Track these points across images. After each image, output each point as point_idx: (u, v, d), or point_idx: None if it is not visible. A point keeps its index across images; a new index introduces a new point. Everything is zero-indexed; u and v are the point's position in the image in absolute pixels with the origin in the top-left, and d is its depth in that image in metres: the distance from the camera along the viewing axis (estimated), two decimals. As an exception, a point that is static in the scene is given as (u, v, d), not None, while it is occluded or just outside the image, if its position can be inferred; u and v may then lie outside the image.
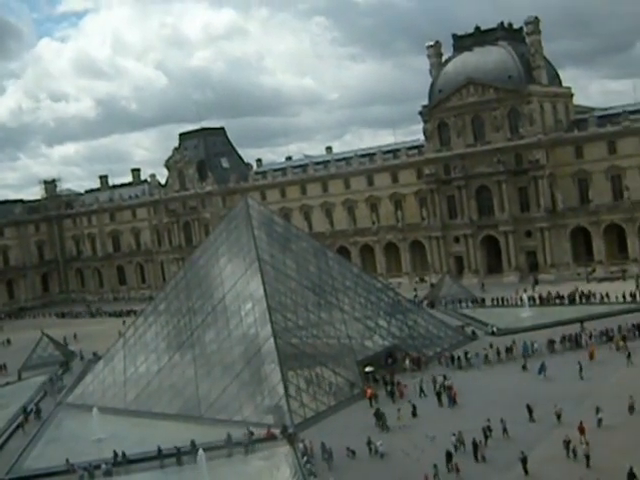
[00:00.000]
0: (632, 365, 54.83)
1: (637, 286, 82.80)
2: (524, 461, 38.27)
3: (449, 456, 39.52)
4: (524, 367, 57.66)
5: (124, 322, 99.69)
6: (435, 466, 38.54)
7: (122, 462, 47.50)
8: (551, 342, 62.64)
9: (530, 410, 46.28)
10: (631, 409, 44.68)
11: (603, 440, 40.26)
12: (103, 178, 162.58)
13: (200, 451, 42.88)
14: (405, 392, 54.27)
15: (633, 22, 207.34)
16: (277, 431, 48.50)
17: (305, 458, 43.28)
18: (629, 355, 56.06)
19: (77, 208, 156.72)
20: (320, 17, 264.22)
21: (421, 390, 54.23)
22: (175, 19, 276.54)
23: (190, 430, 50.93)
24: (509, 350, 62.05)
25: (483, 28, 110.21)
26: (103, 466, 46.80)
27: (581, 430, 41.31)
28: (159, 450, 47.46)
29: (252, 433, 47.80)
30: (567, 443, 38.99)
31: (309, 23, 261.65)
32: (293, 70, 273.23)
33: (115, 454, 47.80)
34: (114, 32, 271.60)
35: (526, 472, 38.08)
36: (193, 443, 47.10)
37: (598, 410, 43.71)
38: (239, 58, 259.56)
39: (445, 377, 55.46)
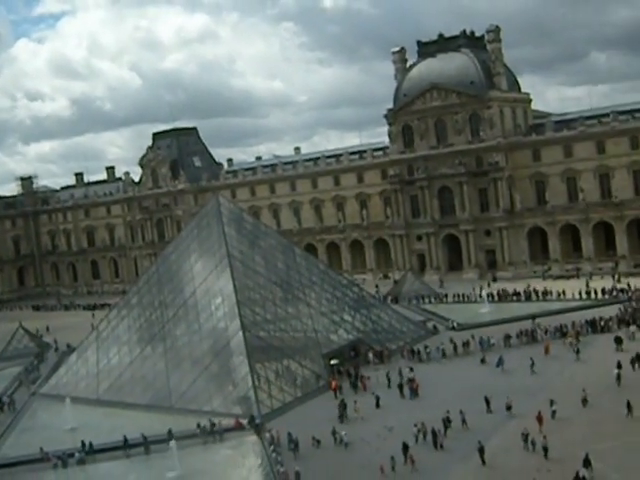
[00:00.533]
0: (580, 361, 55.15)
1: (587, 284, 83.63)
2: (481, 451, 38.34)
3: (405, 448, 39.42)
4: (483, 360, 57.97)
5: (93, 315, 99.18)
6: (392, 458, 38.46)
7: (91, 451, 46.90)
8: (508, 337, 62.98)
9: (488, 402, 46.45)
10: (584, 402, 44.98)
11: (557, 431, 40.45)
12: (78, 175, 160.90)
13: (172, 440, 42.51)
14: (368, 385, 54.21)
15: (589, 32, 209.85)
16: (245, 421, 48.26)
17: (272, 447, 43.13)
18: (578, 351, 56.45)
19: (53, 204, 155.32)
20: (289, 22, 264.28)
21: (389, 381, 54.22)
22: (149, 22, 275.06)
23: (161, 420, 50.61)
24: (466, 344, 62.28)
25: (446, 35, 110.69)
26: (76, 455, 46.26)
27: (539, 420, 41.73)
28: (125, 440, 46.91)
29: (214, 424, 47.48)
30: (526, 436, 38.96)
31: (278, 28, 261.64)
32: (263, 73, 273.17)
33: (83, 444, 47.12)
34: (90, 34, 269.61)
35: (483, 462, 38.16)
36: (170, 432, 46.65)
37: (552, 402, 43.97)
38: (211, 61, 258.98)
39: (412, 369, 55.55)
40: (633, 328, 61.93)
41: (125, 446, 46.91)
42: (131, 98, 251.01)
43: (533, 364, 53.82)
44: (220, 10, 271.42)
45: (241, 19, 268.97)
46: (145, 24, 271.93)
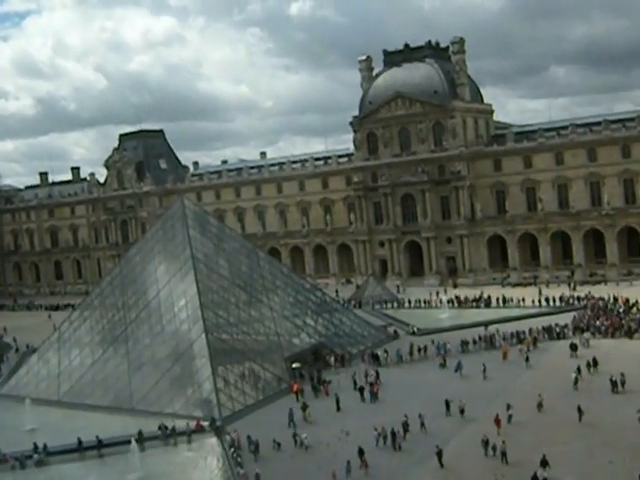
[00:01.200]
0: (532, 367, 55.63)
1: (540, 292, 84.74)
2: (439, 454, 38.56)
3: (361, 452, 39.34)
4: (442, 365, 58.37)
5: (50, 316, 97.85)
6: (348, 462, 38.40)
7: (49, 453, 46.12)
8: (466, 343, 63.45)
9: (448, 405, 46.76)
10: (539, 406, 45.48)
11: (514, 435, 40.83)
12: (43, 175, 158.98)
13: (132, 442, 42.16)
14: (329, 390, 53.98)
15: (549, 46, 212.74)
16: (206, 423, 48.01)
17: (232, 450, 42.95)
18: (527, 359, 56.87)
19: (16, 203, 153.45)
20: (255, 28, 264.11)
21: (355, 384, 54.29)
22: (116, 24, 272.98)
23: (121, 422, 50.14)
24: (422, 350, 62.56)
25: (412, 46, 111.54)
26: (35, 456, 45.55)
27: (497, 422, 42.25)
28: (79, 441, 46.16)
29: (166, 427, 47.13)
30: (486, 442, 38.97)
31: (244, 33, 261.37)
32: (229, 77, 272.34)
33: (35, 446, 46.15)
34: (55, 33, 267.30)
35: (441, 465, 38.38)
36: (141, 433, 46.24)
37: (509, 407, 44.37)
38: (177, 64, 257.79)
39: (378, 373, 55.73)
40: (587, 335, 62.90)
41: (80, 448, 46.08)
42: (96, 99, 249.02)
43: (485, 370, 54.17)
44: (187, 14, 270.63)
45: (208, 23, 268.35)
46: (111, 25, 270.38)
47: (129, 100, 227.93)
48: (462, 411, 45.85)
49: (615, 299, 75.46)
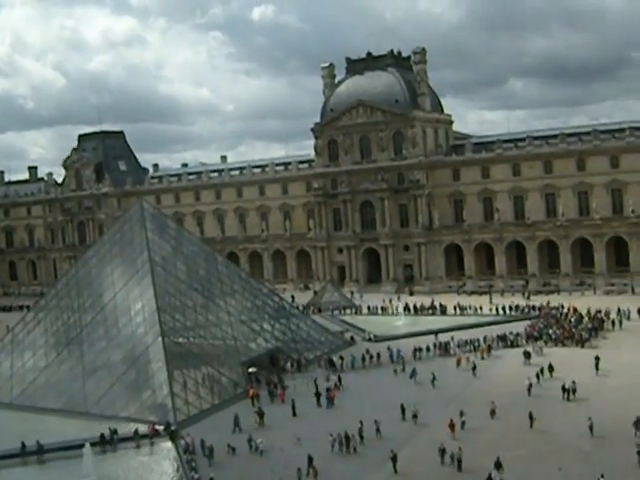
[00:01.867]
0: (478, 377, 56.11)
1: (490, 301, 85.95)
2: (394, 460, 38.70)
3: (310, 460, 38.85)
4: (396, 372, 58.66)
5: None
6: (299, 470, 38.25)
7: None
8: (419, 349, 63.83)
9: (404, 411, 46.99)
10: (492, 413, 45.96)
11: (467, 441, 41.14)
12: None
13: (86, 445, 41.64)
14: (284, 396, 53.74)
15: (508, 59, 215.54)
16: (161, 428, 47.59)
17: (187, 454, 42.66)
18: (474, 367, 57.09)
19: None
20: (216, 32, 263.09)
21: (317, 387, 54.12)
22: (76, 22, 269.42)
23: (75, 425, 49.48)
24: (377, 356, 62.80)
25: (375, 54, 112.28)
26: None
27: (451, 427, 42.85)
28: (22, 445, 45.01)
29: (115, 431, 46.62)
30: (442, 450, 38.95)
31: (206, 37, 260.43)
32: (190, 80, 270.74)
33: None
34: (14, 30, 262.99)
35: (395, 471, 38.55)
36: (103, 436, 45.76)
37: (462, 413, 44.77)
38: (138, 65, 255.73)
39: (340, 378, 55.98)
40: (541, 343, 63.87)
41: (23, 453, 45.03)
42: (55, 98, 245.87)
43: (434, 378, 54.54)
44: (148, 14, 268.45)
45: (169, 25, 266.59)
46: (71, 24, 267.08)
47: (88, 100, 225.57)
48: (415, 416, 46.18)
49: (568, 309, 76.62)
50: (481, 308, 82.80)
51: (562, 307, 77.91)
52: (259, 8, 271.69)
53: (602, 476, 34.15)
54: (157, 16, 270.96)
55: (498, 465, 36.08)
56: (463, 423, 44.19)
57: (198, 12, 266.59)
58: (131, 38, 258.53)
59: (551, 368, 54.23)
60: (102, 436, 45.95)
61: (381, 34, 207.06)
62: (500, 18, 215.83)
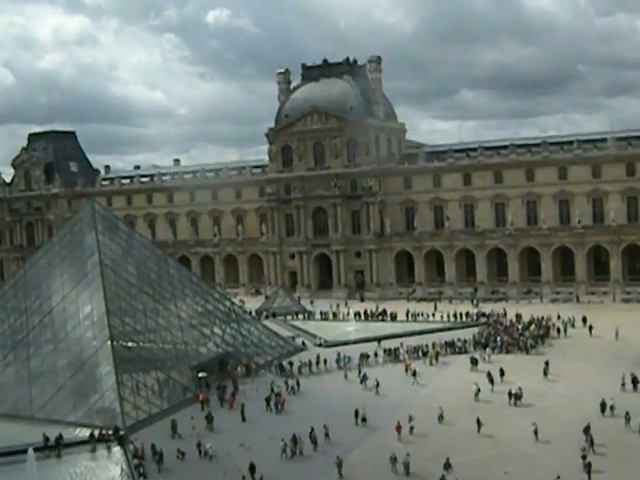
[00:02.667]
0: (417, 384, 56.44)
1: (435, 307, 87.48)
2: (339, 465, 38.63)
3: (252, 468, 38.57)
4: (346, 377, 58.86)
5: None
6: (243, 477, 38.12)
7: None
8: (366, 355, 64.04)
9: (357, 414, 47.27)
10: (440, 418, 46.42)
11: (415, 447, 41.46)
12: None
13: (30, 450, 40.87)
14: (233, 402, 53.37)
15: (460, 70, 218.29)
16: (109, 432, 47.00)
17: (135, 459, 42.24)
18: (414, 373, 57.22)
19: None
20: (170, 34, 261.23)
21: (272, 390, 54.23)
22: (26, 20, 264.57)
23: (19, 430, 48.49)
24: (325, 361, 62.96)
25: (330, 61, 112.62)
26: None
27: (398, 429, 43.52)
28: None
29: (61, 437, 45.92)
30: (394, 459, 38.94)
31: (160, 39, 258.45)
32: (143, 82, 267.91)
33: None
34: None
35: (340, 475, 38.49)
36: (60, 438, 45.13)
37: (411, 418, 45.11)
38: (90, 65, 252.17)
39: (298, 382, 56.24)
40: (488, 350, 64.59)
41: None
42: (4, 96, 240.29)
43: (378, 385, 54.90)
44: (101, 14, 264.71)
45: (122, 26, 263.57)
46: (21, 21, 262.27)
47: (38, 99, 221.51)
48: (364, 420, 46.64)
49: (516, 316, 77.74)
50: (433, 315, 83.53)
51: (510, 315, 78.92)
52: (214, 12, 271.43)
53: (558, 477, 34.84)
54: (110, 16, 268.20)
55: (447, 466, 36.68)
56: (412, 428, 44.56)
57: (152, 14, 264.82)
58: (83, 37, 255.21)
59: (502, 373, 55.22)
60: (47, 440, 45.21)
61: (335, 42, 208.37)
62: (452, 30, 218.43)
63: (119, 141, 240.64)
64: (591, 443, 39.74)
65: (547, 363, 57.22)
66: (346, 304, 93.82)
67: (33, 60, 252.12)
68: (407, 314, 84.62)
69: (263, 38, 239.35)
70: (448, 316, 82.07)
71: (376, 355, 64.56)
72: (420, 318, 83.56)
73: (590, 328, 71.20)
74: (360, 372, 58.90)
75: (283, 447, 42.20)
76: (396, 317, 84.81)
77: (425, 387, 55.78)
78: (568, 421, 45.17)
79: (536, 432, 42.34)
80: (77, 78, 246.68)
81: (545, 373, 56.22)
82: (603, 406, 46.41)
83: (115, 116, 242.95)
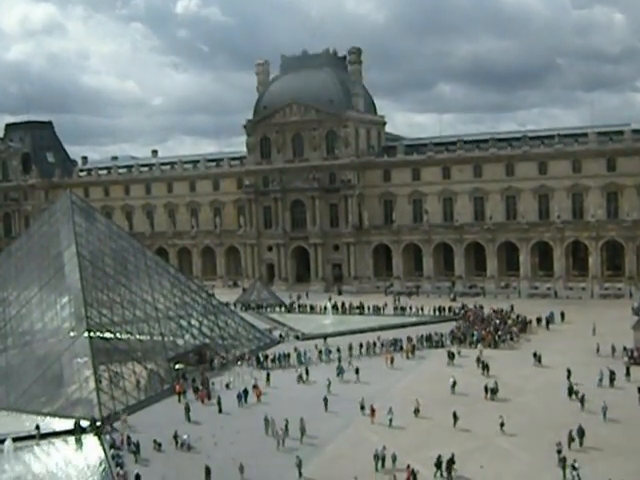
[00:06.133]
0: (402, 374, 57.37)
1: (397, 301, 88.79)
2: (299, 465, 38.48)
3: (207, 471, 38.26)
4: (305, 375, 58.45)
5: None
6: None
7: None
8: (338, 349, 64.40)
9: (326, 403, 48.53)
10: (416, 412, 47.12)
11: (391, 439, 42.09)
12: None
13: (7, 440, 41.19)
14: (204, 396, 53.73)
15: (436, 63, 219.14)
16: (86, 423, 47.32)
17: (112, 450, 42.65)
18: (357, 371, 56.99)
19: None
20: (137, 24, 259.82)
21: (255, 380, 54.76)
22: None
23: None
24: (304, 353, 63.54)
25: (310, 53, 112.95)
26: None
27: (372, 413, 45.38)
28: None
29: (38, 427, 46.22)
30: (382, 458, 39.04)
31: (128, 28, 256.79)
32: (115, 72, 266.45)
33: None
34: None
35: (300, 475, 38.32)
36: (38, 428, 45.44)
37: (390, 410, 45.73)
38: (59, 55, 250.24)
39: (269, 375, 56.53)
40: (465, 344, 65.45)
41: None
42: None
43: (358, 373, 56.23)
44: (66, 1, 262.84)
45: (89, 14, 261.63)
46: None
47: (8, 90, 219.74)
48: (325, 403, 48.51)
49: (493, 311, 78.67)
50: (411, 308, 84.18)
51: (482, 309, 79.92)
52: (182, 1, 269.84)
53: None
54: (75, 4, 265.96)
55: (440, 464, 37.22)
56: (390, 420, 45.31)
57: (119, 2, 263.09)
58: (51, 26, 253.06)
59: (486, 366, 56.54)
60: (25, 431, 45.48)
61: (308, 32, 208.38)
62: (426, 21, 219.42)
63: (93, 132, 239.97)
64: (571, 440, 40.32)
65: (535, 354, 59.04)
66: (330, 299, 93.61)
67: (1, 51, 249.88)
68: (382, 307, 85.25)
69: (233, 28, 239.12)
70: (436, 310, 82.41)
71: (351, 348, 64.93)
72: (398, 312, 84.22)
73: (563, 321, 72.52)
74: (340, 364, 59.56)
75: (275, 435, 42.99)
76: (379, 310, 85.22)
77: (402, 380, 56.47)
78: (542, 416, 46.11)
79: (502, 425, 43.33)
80: (47, 68, 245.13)
81: (539, 360, 58.69)
82: (570, 390, 49.08)
83: (88, 107, 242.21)
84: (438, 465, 37.34)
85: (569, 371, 52.83)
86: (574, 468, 35.77)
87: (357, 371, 56.74)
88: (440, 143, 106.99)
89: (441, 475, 37.08)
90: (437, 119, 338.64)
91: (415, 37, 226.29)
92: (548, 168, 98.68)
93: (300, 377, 57.24)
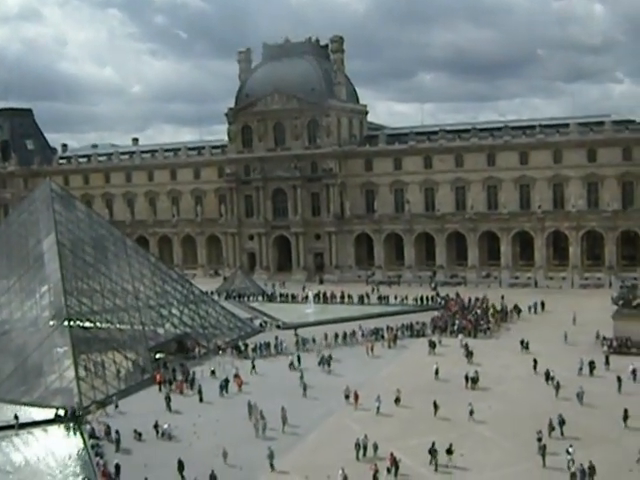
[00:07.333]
0: (394, 362, 57.58)
1: (378, 290, 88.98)
2: (271, 457, 38.29)
3: (181, 465, 37.50)
4: (295, 362, 58.48)
5: None
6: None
7: None
8: (327, 336, 64.72)
9: (305, 389, 49.11)
10: (397, 401, 47.26)
11: (373, 428, 42.19)
12: None
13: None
14: (182, 387, 53.38)
15: (417, 52, 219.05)
16: (66, 413, 47.07)
17: (92, 439, 42.47)
18: (329, 364, 57.06)
19: None
20: (114, 10, 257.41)
21: (236, 370, 54.75)
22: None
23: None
24: (281, 343, 63.58)
25: (293, 41, 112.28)
26: None
27: (355, 398, 46.17)
28: None
29: (17, 417, 45.97)
30: (364, 446, 39.18)
31: (105, 14, 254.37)
32: (93, 59, 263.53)
33: None
34: None
35: (272, 467, 38.16)
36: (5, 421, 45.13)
37: (378, 398, 46.09)
38: (36, 41, 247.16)
39: (254, 365, 56.68)
40: (447, 334, 65.72)
41: None
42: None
43: (329, 364, 56.53)
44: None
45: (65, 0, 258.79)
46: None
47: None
48: (304, 388, 49.52)
49: (475, 300, 78.98)
50: (395, 298, 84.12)
51: (470, 299, 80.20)
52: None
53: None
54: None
55: (434, 451, 37.42)
56: (378, 408, 45.67)
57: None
58: (27, 11, 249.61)
59: (470, 353, 57.16)
60: (4, 421, 45.26)
61: (287, 20, 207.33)
62: (407, 11, 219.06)
63: (72, 119, 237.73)
64: (551, 429, 40.65)
65: (522, 342, 59.72)
66: (304, 288, 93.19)
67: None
68: (363, 297, 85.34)
69: (213, 15, 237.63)
70: (417, 300, 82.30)
71: (336, 337, 65.07)
72: (383, 301, 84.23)
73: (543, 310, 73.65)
74: (319, 354, 59.61)
75: (255, 423, 43.04)
76: (364, 300, 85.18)
77: (383, 369, 56.59)
78: (524, 404, 46.39)
79: (472, 412, 43.81)
80: (24, 54, 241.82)
81: (527, 347, 59.29)
82: (547, 375, 50.15)
83: (66, 94, 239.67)
84: (432, 452, 37.45)
85: (535, 361, 53.68)
86: (568, 453, 36.31)
87: (329, 362, 56.78)
88: (422, 133, 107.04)
89: (434, 462, 37.16)
90: (418, 108, 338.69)
91: (396, 26, 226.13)
92: (529, 158, 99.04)
93: (291, 364, 57.24)
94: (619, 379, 48.66)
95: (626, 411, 42.20)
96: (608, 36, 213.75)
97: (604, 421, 42.93)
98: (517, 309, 74.54)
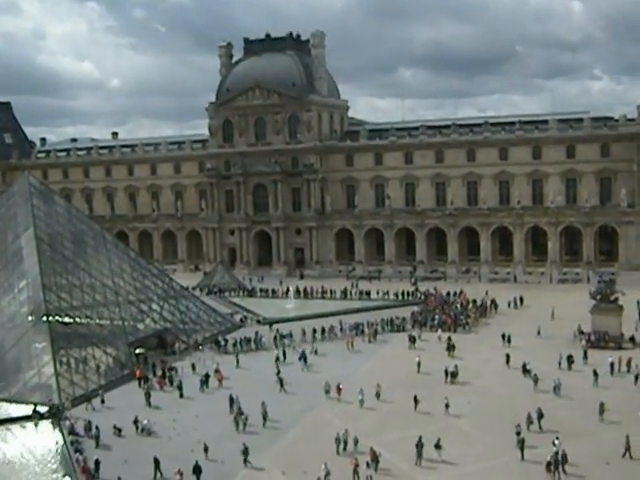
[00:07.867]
0: (374, 357, 57.73)
1: (356, 285, 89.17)
2: (246, 452, 38.13)
3: (157, 463, 37.22)
4: (282, 356, 58.75)
5: None
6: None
7: None
8: (313, 331, 64.90)
9: (281, 384, 49.35)
10: (377, 395, 47.41)
11: (352, 423, 42.29)
12: None
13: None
14: (162, 383, 53.29)
15: (397, 48, 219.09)
16: (45, 409, 46.82)
17: (71, 435, 42.29)
18: (305, 360, 56.98)
19: None
20: (92, 3, 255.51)
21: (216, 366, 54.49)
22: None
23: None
24: (260, 338, 63.63)
25: (273, 36, 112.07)
26: None
27: (338, 390, 46.78)
28: None
29: None
30: (338, 440, 39.17)
31: (83, 8, 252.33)
32: (71, 53, 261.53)
33: None
34: None
35: (245, 463, 38.01)
36: None
37: (361, 391, 46.29)
38: (15, 34, 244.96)
39: (238, 360, 56.87)
40: (426, 328, 66.00)
41: None
42: None
43: (306, 362, 56.35)
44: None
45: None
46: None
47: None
48: (281, 383, 49.96)
49: (455, 294, 79.36)
50: (385, 293, 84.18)
51: (449, 294, 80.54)
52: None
53: None
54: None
55: (420, 445, 37.48)
56: (361, 401, 45.93)
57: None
58: (5, 5, 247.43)
59: (453, 347, 57.50)
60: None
61: (267, 15, 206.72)
62: (388, 6, 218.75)
63: (51, 113, 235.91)
64: (530, 423, 40.99)
65: (504, 336, 60.31)
66: (281, 283, 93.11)
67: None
68: (344, 292, 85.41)
69: (192, 9, 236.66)
70: (397, 295, 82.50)
71: (315, 332, 65.16)
72: (364, 296, 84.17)
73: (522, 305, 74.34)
74: (299, 350, 59.58)
75: (235, 419, 43.02)
76: (346, 295, 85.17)
77: (364, 364, 56.73)
78: (503, 398, 46.70)
79: (447, 406, 44.15)
80: (2, 48, 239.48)
81: (509, 340, 59.98)
82: (524, 368, 50.97)
83: (45, 88, 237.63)
84: (418, 447, 37.53)
85: (508, 356, 54.27)
86: (554, 445, 36.64)
87: (304, 358, 56.66)
88: (402, 128, 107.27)
89: (420, 456, 37.30)
90: (399, 104, 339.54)
91: (377, 22, 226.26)
92: (509, 154, 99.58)
93: (277, 359, 56.97)
94: (595, 373, 49.13)
95: (602, 405, 42.64)
96: (586, 33, 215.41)
97: (580, 414, 43.31)
98: (494, 304, 74.94)
